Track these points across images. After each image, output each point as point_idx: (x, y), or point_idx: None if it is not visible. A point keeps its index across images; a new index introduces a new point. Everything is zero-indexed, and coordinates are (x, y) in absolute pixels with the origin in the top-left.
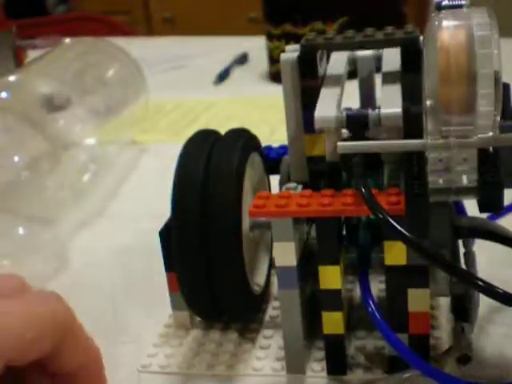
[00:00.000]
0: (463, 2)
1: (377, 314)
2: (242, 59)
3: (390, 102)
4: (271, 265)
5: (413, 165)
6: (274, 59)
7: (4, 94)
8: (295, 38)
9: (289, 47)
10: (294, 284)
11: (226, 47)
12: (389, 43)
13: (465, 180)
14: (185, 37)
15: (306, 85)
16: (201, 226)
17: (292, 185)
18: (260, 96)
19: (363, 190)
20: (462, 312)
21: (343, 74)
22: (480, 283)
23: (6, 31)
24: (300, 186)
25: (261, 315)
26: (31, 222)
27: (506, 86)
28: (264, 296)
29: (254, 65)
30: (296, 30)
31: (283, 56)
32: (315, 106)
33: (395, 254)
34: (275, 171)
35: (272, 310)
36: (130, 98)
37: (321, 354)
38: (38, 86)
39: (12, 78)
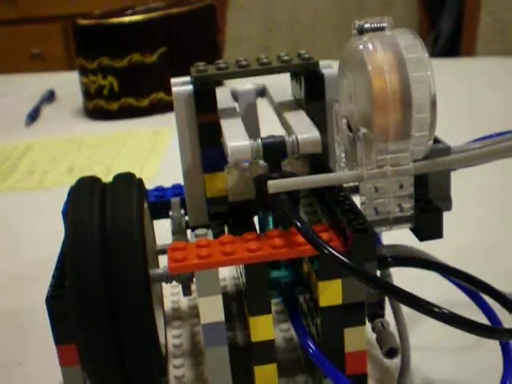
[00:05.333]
0: (385, 25)
1: (321, 355)
2: (50, 96)
3: (303, 128)
4: (165, 320)
5: (333, 197)
6: (91, 95)
7: None
8: (114, 72)
9: (175, 80)
10: (223, 340)
11: (27, 85)
12: (289, 69)
13: (400, 208)
14: None
15: (204, 120)
16: (106, 293)
17: (202, 231)
18: (81, 134)
19: (300, 225)
20: (376, 311)
21: (235, 107)
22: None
23: None
24: (209, 232)
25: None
26: None
27: None
28: (166, 356)
29: (64, 101)
30: (113, 63)
31: (176, 90)
32: (216, 142)
33: (330, 294)
34: (159, 215)
35: (175, 370)
36: None
37: None
38: None
39: None
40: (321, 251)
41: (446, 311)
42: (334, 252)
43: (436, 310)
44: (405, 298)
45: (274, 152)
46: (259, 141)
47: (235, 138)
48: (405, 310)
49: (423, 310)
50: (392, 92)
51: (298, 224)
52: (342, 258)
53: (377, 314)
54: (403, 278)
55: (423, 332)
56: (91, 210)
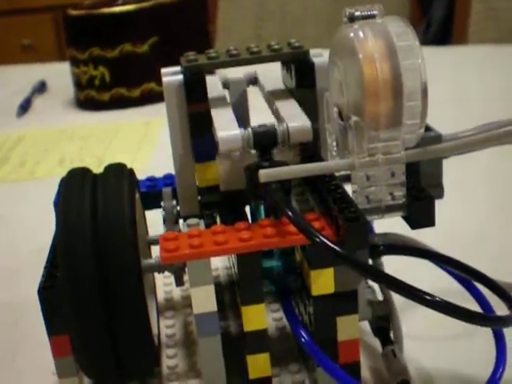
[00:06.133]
0: (375, 12)
1: (314, 345)
2: (41, 87)
3: (293, 117)
4: (158, 310)
5: (325, 186)
6: (82, 85)
7: None
8: (105, 62)
9: (166, 70)
10: (215, 330)
11: (18, 76)
12: (279, 58)
13: (392, 197)
14: None
15: (195, 109)
16: (98, 283)
17: (193, 221)
18: (72, 125)
19: (291, 214)
20: (387, 334)
21: (225, 95)
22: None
23: None
24: (201, 222)
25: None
26: None
27: None
28: (159, 346)
29: (56, 92)
30: (104, 53)
31: (166, 79)
32: (206, 132)
33: (322, 282)
34: (151, 206)
35: (168, 360)
36: None
37: None
38: None
39: None
40: (312, 240)
41: (439, 299)
42: (325, 241)
43: (429, 298)
44: (398, 287)
45: (265, 141)
46: (250, 130)
47: (225, 127)
48: (397, 298)
49: (416, 298)
50: (383, 80)
51: (289, 213)
52: (333, 246)
53: (387, 336)
54: (395, 266)
55: (416, 321)
56: (82, 201)
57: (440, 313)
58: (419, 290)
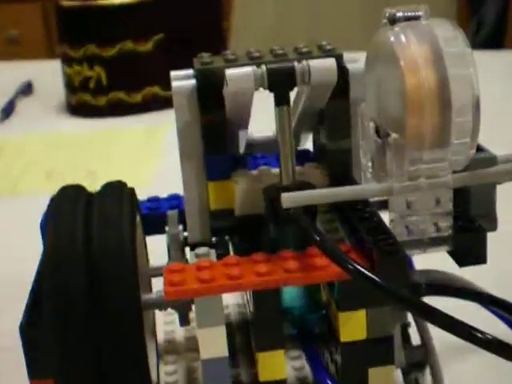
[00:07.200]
0: (420, 14)
1: None
2: (27, 89)
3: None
4: (158, 353)
5: (357, 214)
6: (75, 88)
7: None
8: (101, 62)
9: (176, 73)
10: (225, 379)
11: (0, 75)
12: None
13: (436, 228)
14: None
15: (210, 120)
16: (90, 321)
17: (203, 250)
18: (62, 133)
19: (320, 239)
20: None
21: None
22: None
23: None
24: (212, 251)
25: None
26: None
27: None
28: None
29: (43, 95)
30: (101, 51)
31: (176, 84)
32: (222, 146)
33: (353, 326)
34: (152, 231)
35: None
36: None
37: None
38: None
39: None
40: (346, 268)
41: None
42: (361, 269)
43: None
44: (454, 327)
45: (282, 80)
46: (264, 67)
47: (235, 68)
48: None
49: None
50: (428, 91)
51: (317, 237)
52: (372, 276)
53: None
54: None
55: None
56: (75, 224)
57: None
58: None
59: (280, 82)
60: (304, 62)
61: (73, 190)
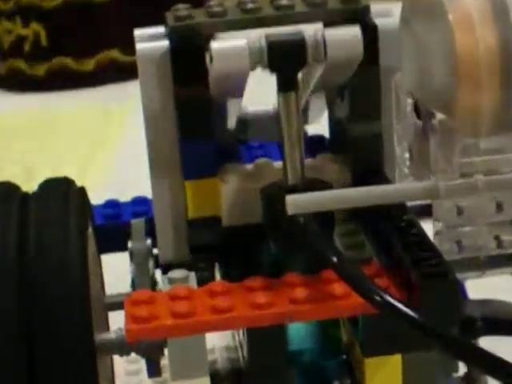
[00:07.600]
0: None
1: None
2: None
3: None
4: None
5: (390, 224)
6: (4, 52)
7: None
8: (40, 16)
9: (141, 31)
10: None
11: None
12: (323, 17)
13: (498, 242)
14: None
15: (187, 94)
16: (27, 368)
17: (179, 273)
18: None
19: (337, 260)
20: None
21: None
22: None
23: None
24: (191, 274)
25: None
26: None
27: None
28: None
29: None
30: (41, 1)
31: (142, 47)
32: (204, 130)
33: (383, 377)
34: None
35: None
36: None
37: None
38: None
39: None
40: (371, 299)
41: None
42: (392, 300)
43: None
44: None
45: (287, 56)
46: (263, 39)
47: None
48: None
49: None
50: (486, 55)
51: (334, 257)
52: (407, 310)
53: None
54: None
55: None
56: (5, 236)
57: None
58: None
59: (285, 60)
60: (318, 33)
61: (3, 189)
